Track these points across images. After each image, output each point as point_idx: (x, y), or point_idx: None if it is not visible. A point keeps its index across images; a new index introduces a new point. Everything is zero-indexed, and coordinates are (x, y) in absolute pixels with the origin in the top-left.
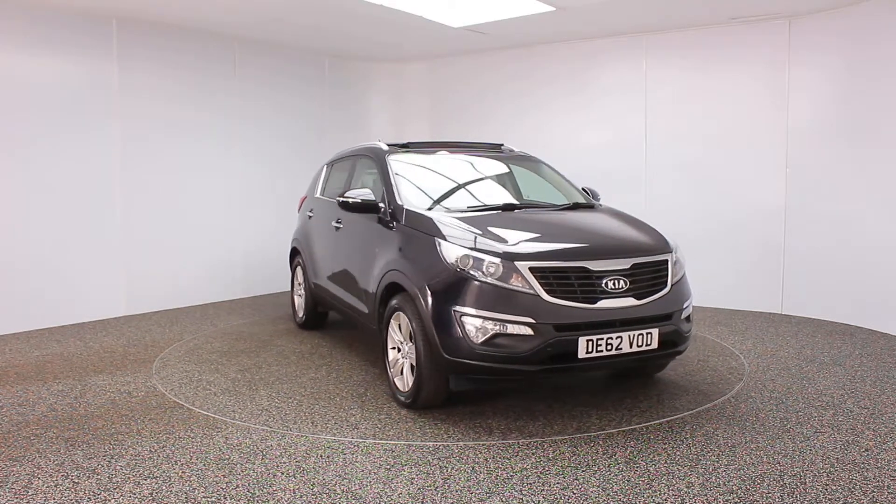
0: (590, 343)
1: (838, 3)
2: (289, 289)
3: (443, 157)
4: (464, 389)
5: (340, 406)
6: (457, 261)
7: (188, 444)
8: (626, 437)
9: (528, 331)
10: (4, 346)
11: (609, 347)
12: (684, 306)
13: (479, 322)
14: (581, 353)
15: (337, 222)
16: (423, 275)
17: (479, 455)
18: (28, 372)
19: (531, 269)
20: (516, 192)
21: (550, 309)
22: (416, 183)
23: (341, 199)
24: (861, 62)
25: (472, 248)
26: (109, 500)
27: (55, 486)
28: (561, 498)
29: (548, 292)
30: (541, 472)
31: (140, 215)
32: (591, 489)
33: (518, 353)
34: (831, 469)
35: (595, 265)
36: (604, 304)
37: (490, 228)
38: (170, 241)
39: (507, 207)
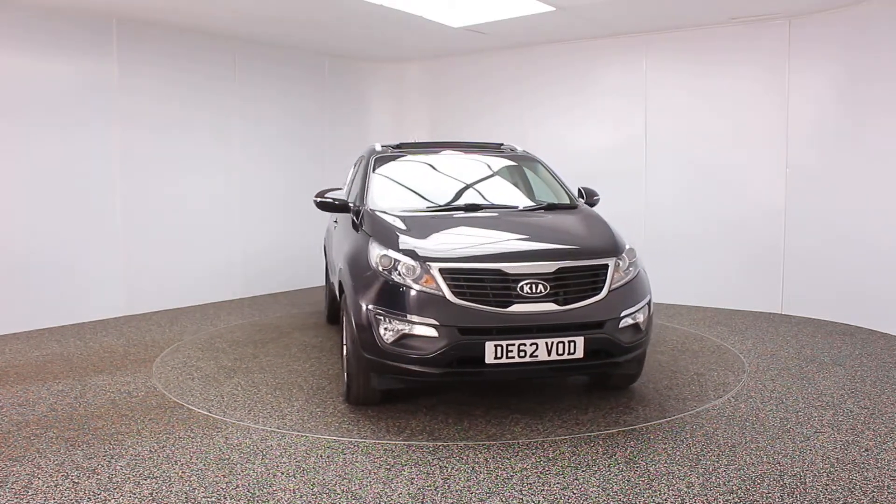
0: (498, 348)
1: (838, 3)
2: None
3: (432, 157)
4: (414, 388)
5: (289, 397)
6: (377, 260)
7: (188, 444)
8: (626, 437)
9: (433, 332)
10: (4, 346)
11: (522, 354)
12: (621, 314)
13: (389, 321)
14: (489, 359)
15: (335, 222)
16: (353, 274)
17: (479, 455)
18: (28, 372)
19: (441, 271)
20: (498, 192)
21: (456, 311)
22: (392, 184)
23: (316, 199)
24: (861, 62)
25: (391, 249)
26: (109, 500)
27: (55, 486)
28: (561, 498)
29: (455, 294)
30: (541, 472)
31: (140, 215)
32: (591, 489)
33: (424, 354)
34: (831, 469)
35: (511, 268)
36: (517, 308)
37: (426, 229)
38: (170, 241)
39: (471, 208)
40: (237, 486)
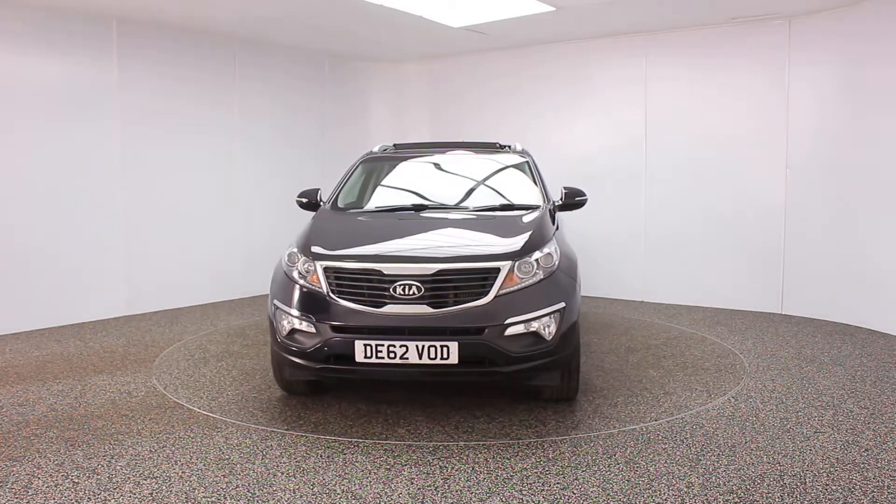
0: (367, 348)
1: (838, 3)
2: None
3: (420, 158)
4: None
5: (240, 383)
6: (285, 258)
7: (188, 444)
8: (626, 437)
9: (312, 329)
10: (4, 346)
11: (392, 355)
12: (506, 321)
13: (284, 316)
14: (359, 357)
15: None
16: (275, 270)
17: (479, 455)
18: (28, 372)
19: (325, 269)
20: (461, 192)
21: (332, 309)
22: (365, 185)
23: (297, 199)
24: (861, 62)
25: (297, 246)
26: (109, 500)
27: (55, 486)
28: (561, 498)
29: (335, 293)
30: (541, 472)
31: (140, 215)
32: (591, 489)
33: (304, 349)
34: (831, 469)
35: (389, 269)
36: (390, 309)
37: (346, 229)
38: (170, 241)
39: (418, 208)
40: (237, 486)
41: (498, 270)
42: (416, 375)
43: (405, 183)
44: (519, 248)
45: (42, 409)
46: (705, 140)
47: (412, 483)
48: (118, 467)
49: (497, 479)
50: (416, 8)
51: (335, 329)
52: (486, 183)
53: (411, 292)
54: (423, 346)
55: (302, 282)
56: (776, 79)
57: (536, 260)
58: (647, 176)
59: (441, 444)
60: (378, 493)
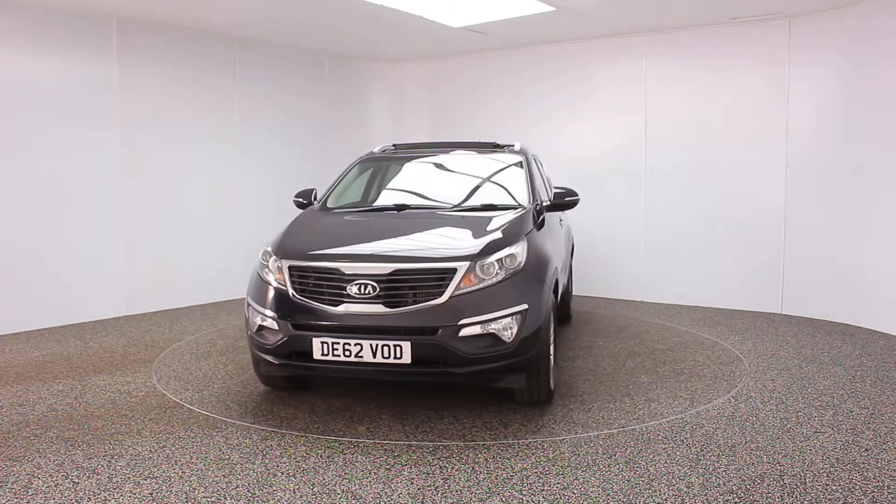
0: (324, 345)
1: (838, 3)
2: None
3: (416, 159)
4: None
5: (231, 377)
6: (260, 257)
7: (188, 444)
8: (626, 437)
9: (275, 325)
10: (4, 346)
11: (347, 353)
12: (460, 322)
13: (254, 313)
14: (316, 354)
15: None
16: (253, 269)
17: (479, 455)
18: (28, 372)
19: (290, 268)
20: (446, 192)
21: (294, 307)
22: (356, 185)
23: (294, 198)
24: (861, 62)
25: (271, 246)
26: (109, 500)
27: (55, 486)
28: (561, 498)
29: (297, 291)
30: (541, 472)
31: (140, 215)
32: (591, 489)
33: (268, 345)
34: (831, 469)
35: (348, 268)
36: (346, 308)
37: (320, 228)
38: (170, 241)
39: (400, 208)
40: (237, 486)
41: (454, 271)
42: (371, 374)
43: (395, 183)
44: (479, 250)
45: (42, 409)
46: (705, 140)
47: (412, 483)
48: (118, 467)
49: (497, 479)
50: (416, 8)
51: (296, 326)
52: (475, 183)
53: (367, 291)
54: (377, 346)
55: (271, 280)
56: (776, 79)
57: (499, 260)
58: (647, 176)
59: (441, 444)
60: (378, 493)
